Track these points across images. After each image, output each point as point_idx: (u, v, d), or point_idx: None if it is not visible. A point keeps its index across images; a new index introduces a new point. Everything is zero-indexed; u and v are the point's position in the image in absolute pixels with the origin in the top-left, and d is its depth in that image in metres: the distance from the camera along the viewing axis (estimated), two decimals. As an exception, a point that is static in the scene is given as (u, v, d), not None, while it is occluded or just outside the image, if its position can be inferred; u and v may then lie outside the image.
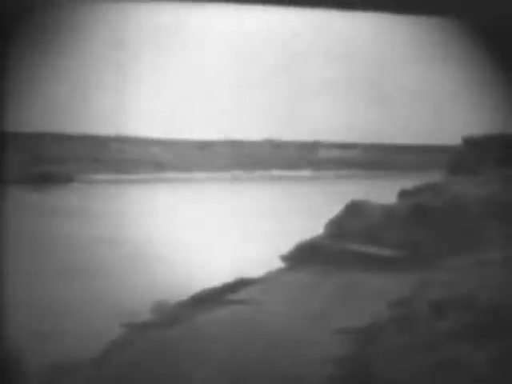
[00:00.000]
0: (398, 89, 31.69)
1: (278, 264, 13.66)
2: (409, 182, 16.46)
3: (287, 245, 15.06)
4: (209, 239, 17.93)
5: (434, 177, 17.80)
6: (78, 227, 19.33)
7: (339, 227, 14.97)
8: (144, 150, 45.75)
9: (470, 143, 17.15)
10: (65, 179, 36.76)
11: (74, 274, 13.10)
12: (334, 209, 15.47)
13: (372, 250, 13.96)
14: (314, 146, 42.07)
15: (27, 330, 9.26)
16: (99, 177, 38.52)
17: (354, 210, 15.33)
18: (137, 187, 34.57)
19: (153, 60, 31.22)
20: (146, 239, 17.66)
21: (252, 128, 35.65)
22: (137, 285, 12.44)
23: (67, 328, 9.65)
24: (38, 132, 35.77)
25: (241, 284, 11.79)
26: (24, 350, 8.31)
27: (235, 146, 42.51)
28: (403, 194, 15.88)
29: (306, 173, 42.23)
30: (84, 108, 32.88)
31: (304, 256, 14.04)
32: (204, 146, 42.84)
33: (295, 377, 7.85)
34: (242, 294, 11.07)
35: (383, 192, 16.68)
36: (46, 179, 36.29)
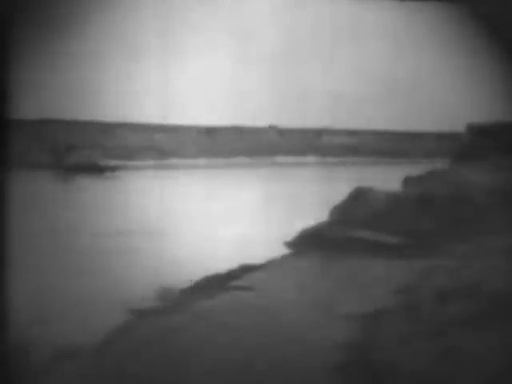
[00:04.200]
0: (403, 75, 31.60)
1: (283, 250, 13.64)
2: (413, 169, 16.42)
3: (292, 231, 15.04)
4: (214, 225, 17.91)
5: (439, 164, 17.76)
6: (83, 218, 19.32)
7: (344, 214, 14.95)
8: (148, 137, 45.64)
9: (475, 130, 17.08)
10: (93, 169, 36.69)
11: (80, 265, 13.12)
12: (339, 195, 15.46)
13: (377, 237, 13.95)
14: (319, 132, 42.01)
15: (32, 318, 9.27)
16: (104, 163, 38.47)
17: (359, 196, 15.30)
18: (141, 174, 34.50)
19: (159, 47, 31.12)
20: (150, 228, 17.65)
21: (257, 114, 35.58)
22: (142, 273, 12.45)
23: (72, 315, 9.65)
24: (45, 119, 35.71)
25: (245, 270, 11.77)
26: (29, 338, 8.34)
27: (241, 132, 42.44)
28: (408, 181, 15.83)
29: (310, 159, 42.14)
30: (91, 95, 32.78)
31: (308, 242, 14.04)
32: (209, 132, 42.78)
33: (299, 362, 7.85)
34: (246, 281, 11.06)
35: (388, 179, 16.66)
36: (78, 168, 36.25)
